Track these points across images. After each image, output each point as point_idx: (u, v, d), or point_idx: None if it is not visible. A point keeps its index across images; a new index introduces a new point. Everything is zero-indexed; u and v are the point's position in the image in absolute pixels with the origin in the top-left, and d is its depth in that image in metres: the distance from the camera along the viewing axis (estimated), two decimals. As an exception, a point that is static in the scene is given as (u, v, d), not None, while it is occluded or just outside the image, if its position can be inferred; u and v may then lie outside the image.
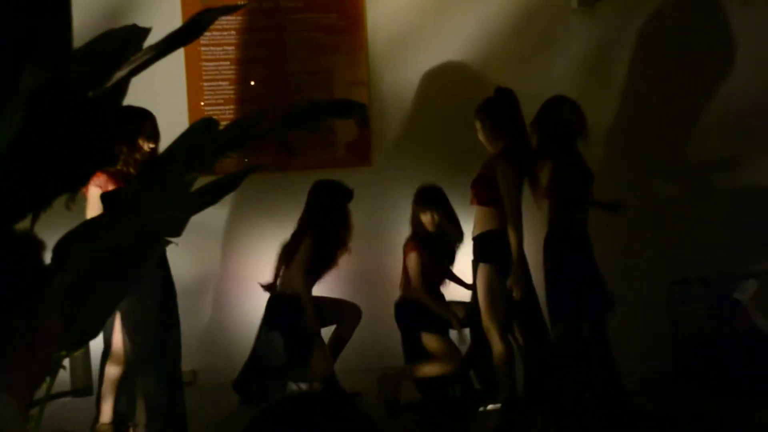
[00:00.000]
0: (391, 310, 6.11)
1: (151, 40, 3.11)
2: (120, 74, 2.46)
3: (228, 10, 2.93)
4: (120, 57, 2.76)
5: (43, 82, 2.40)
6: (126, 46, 2.88)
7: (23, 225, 2.51)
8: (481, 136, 5.59)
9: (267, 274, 6.17)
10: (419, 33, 6.85)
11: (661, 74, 7.23)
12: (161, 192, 2.60)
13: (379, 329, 6.33)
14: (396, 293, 6.18)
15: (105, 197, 2.62)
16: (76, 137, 2.46)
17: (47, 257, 1.87)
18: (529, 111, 6.32)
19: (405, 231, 6.59)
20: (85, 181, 2.59)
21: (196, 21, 2.65)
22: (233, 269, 6.61)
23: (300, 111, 3.28)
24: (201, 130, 2.84)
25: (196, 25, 2.62)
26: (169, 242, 2.87)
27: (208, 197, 2.74)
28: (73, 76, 2.58)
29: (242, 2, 6.37)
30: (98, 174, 4.55)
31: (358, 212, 6.05)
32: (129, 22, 6.23)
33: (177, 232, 2.65)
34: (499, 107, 5.54)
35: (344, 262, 6.18)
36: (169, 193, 2.60)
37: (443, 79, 6.89)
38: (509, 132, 5.48)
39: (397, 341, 6.10)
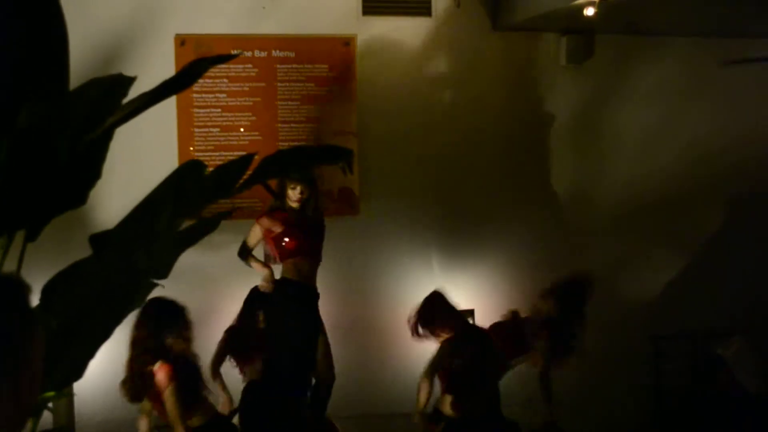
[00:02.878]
0: (379, 356, 6.13)
1: (144, 87, 3.18)
2: (112, 120, 2.51)
3: (220, 59, 2.99)
4: (105, 106, 2.81)
5: (36, 121, 2.45)
6: (110, 94, 2.93)
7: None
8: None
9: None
10: (408, 85, 6.94)
11: (646, 130, 7.35)
12: (149, 236, 2.64)
13: (365, 376, 6.34)
14: (382, 339, 6.22)
15: (93, 239, 2.66)
16: (58, 177, 2.51)
17: (34, 300, 1.88)
18: (517, 162, 6.42)
19: (391, 279, 6.63)
20: (46, 221, 2.63)
21: (190, 70, 2.71)
22: (218, 313, 6.60)
23: (287, 156, 3.33)
24: (188, 172, 2.88)
25: (189, 74, 2.68)
26: (156, 284, 2.90)
27: (189, 239, 2.78)
28: (62, 122, 2.63)
29: (235, 52, 6.46)
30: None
31: (345, 260, 6.08)
32: (124, 68, 6.32)
33: (164, 274, 2.69)
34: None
35: (332, 308, 6.20)
36: (156, 237, 2.64)
37: (431, 131, 6.97)
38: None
39: (381, 387, 6.10)
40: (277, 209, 5.84)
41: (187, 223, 2.90)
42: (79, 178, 2.69)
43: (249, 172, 3.04)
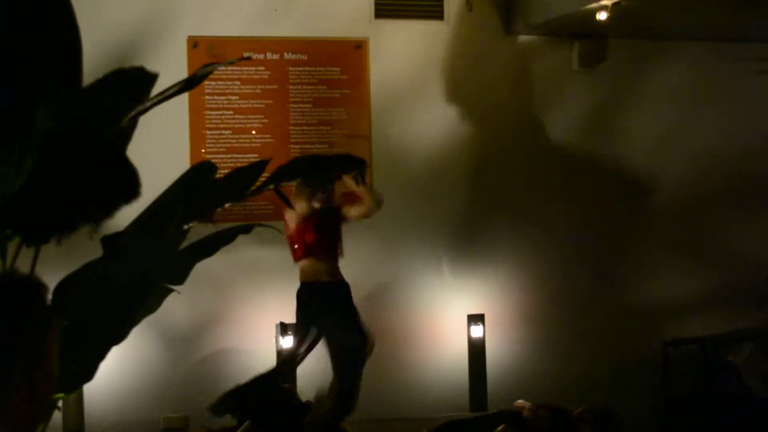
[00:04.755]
0: (390, 362, 6.13)
1: (157, 89, 3.18)
2: (129, 115, 2.52)
3: (233, 62, 3.00)
4: (130, 95, 2.81)
5: (56, 124, 2.45)
6: (135, 86, 2.94)
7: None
8: None
9: (259, 321, 6.22)
10: (420, 88, 6.94)
11: (658, 134, 7.33)
12: (160, 238, 2.65)
13: (374, 381, 6.31)
14: (392, 344, 6.23)
15: (105, 240, 2.67)
16: (88, 176, 2.51)
17: (49, 299, 1.90)
18: (528, 166, 6.40)
19: (401, 282, 6.63)
20: (109, 214, 2.64)
21: (201, 71, 2.71)
22: (226, 316, 6.62)
23: (300, 165, 3.33)
24: (199, 174, 2.89)
25: (200, 74, 2.68)
26: (171, 290, 2.91)
27: (207, 249, 2.80)
28: (84, 116, 2.63)
29: (246, 55, 6.47)
30: None
31: (355, 264, 6.07)
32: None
33: (180, 280, 2.70)
34: None
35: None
36: (167, 239, 2.64)
37: (443, 134, 6.97)
38: None
39: (389, 391, 6.10)
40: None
41: (199, 226, 2.90)
42: (119, 175, 2.67)
43: (264, 175, 3.05)
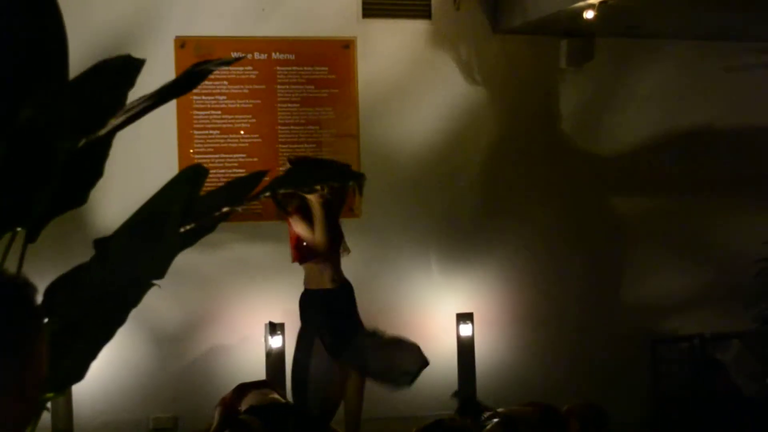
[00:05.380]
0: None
1: (144, 89, 3.18)
2: (115, 122, 2.51)
3: (222, 63, 2.99)
4: (114, 92, 2.81)
5: (36, 120, 2.45)
6: (120, 78, 2.93)
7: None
8: None
9: (248, 321, 6.22)
10: (408, 87, 6.95)
11: (646, 131, 7.36)
12: (152, 242, 2.65)
13: (368, 379, 6.32)
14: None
15: (97, 243, 2.66)
16: (58, 177, 2.51)
17: (38, 299, 1.90)
18: (516, 164, 6.40)
19: (390, 281, 6.63)
20: (47, 220, 2.64)
21: (191, 74, 2.71)
22: (215, 316, 6.62)
23: (296, 175, 3.34)
24: (189, 178, 2.88)
25: (190, 78, 2.68)
26: (152, 285, 2.90)
27: (186, 240, 2.79)
28: (67, 115, 2.63)
29: (235, 55, 6.47)
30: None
31: (346, 263, 6.08)
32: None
33: (160, 274, 2.69)
34: None
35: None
36: (161, 244, 2.64)
37: (432, 134, 6.98)
38: None
39: (379, 389, 6.10)
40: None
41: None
42: (80, 178, 2.68)
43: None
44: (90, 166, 2.79)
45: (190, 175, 2.96)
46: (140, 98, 2.70)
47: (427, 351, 6.13)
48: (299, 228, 5.84)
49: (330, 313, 5.83)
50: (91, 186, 2.81)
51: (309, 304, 5.88)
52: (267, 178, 3.24)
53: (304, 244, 5.84)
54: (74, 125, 2.67)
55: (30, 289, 1.80)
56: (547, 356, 6.92)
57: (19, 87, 2.54)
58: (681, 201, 7.40)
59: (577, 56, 7.15)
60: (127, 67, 3.01)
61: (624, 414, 6.49)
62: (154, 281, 2.85)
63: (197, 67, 2.76)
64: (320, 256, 5.84)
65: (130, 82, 3.00)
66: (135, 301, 2.76)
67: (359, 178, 3.52)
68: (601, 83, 7.32)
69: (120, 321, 2.62)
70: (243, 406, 5.75)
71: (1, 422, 1.70)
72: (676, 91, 7.41)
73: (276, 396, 5.85)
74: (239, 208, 3.09)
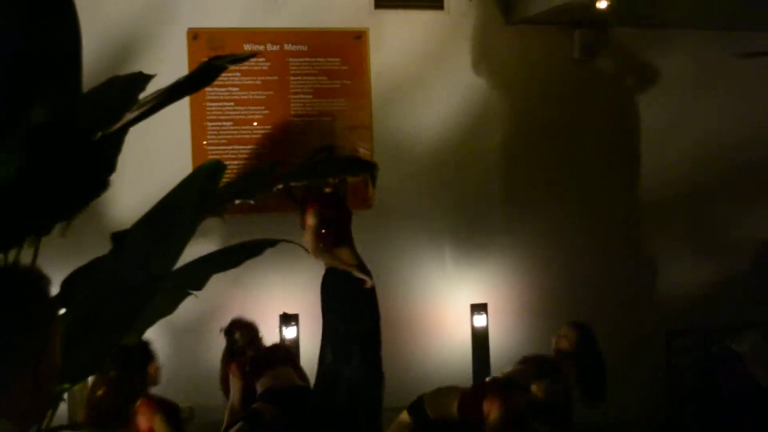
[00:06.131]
0: (392, 349, 6.18)
1: (157, 82, 3.18)
2: (130, 116, 2.52)
3: (237, 59, 2.98)
4: (123, 102, 2.83)
5: (49, 120, 2.45)
6: (129, 92, 2.95)
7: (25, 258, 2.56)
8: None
9: (262, 312, 6.24)
10: (421, 78, 6.94)
11: (658, 123, 7.33)
12: (169, 235, 2.66)
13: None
14: (395, 332, 6.26)
15: (114, 236, 2.67)
16: (76, 173, 2.52)
17: (53, 291, 1.91)
18: (530, 155, 6.37)
19: (403, 272, 6.63)
20: (77, 212, 2.65)
21: (206, 70, 2.71)
22: (230, 307, 6.62)
23: (311, 168, 3.36)
24: (207, 173, 2.90)
25: (204, 74, 2.68)
26: (189, 293, 2.94)
27: (233, 259, 2.84)
28: (79, 117, 2.64)
29: (247, 48, 6.47)
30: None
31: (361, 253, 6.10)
32: (137, 64, 6.33)
33: (199, 286, 2.74)
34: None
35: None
36: (176, 236, 2.65)
37: (444, 125, 6.97)
38: None
39: (393, 380, 6.11)
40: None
41: (220, 228, 2.93)
42: (95, 173, 2.69)
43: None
44: (103, 161, 2.80)
45: (209, 170, 2.97)
46: (154, 93, 2.70)
47: (442, 342, 6.16)
48: (310, 221, 5.90)
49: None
50: (106, 181, 2.83)
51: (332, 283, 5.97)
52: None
53: (323, 231, 5.88)
54: (88, 123, 2.69)
55: (44, 281, 1.82)
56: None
57: (33, 85, 2.54)
58: (696, 192, 7.37)
59: (590, 47, 7.13)
60: (137, 82, 3.02)
61: (640, 406, 6.49)
62: (192, 291, 2.89)
63: (211, 62, 2.76)
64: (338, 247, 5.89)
65: (141, 88, 3.01)
66: (153, 294, 2.77)
67: (372, 168, 3.53)
68: (615, 73, 7.29)
69: (136, 315, 2.64)
70: (260, 387, 5.78)
71: (17, 412, 1.72)
72: (689, 82, 7.38)
73: (294, 376, 5.88)
74: (251, 201, 3.11)
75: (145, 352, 5.18)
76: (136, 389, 5.09)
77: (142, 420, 5.04)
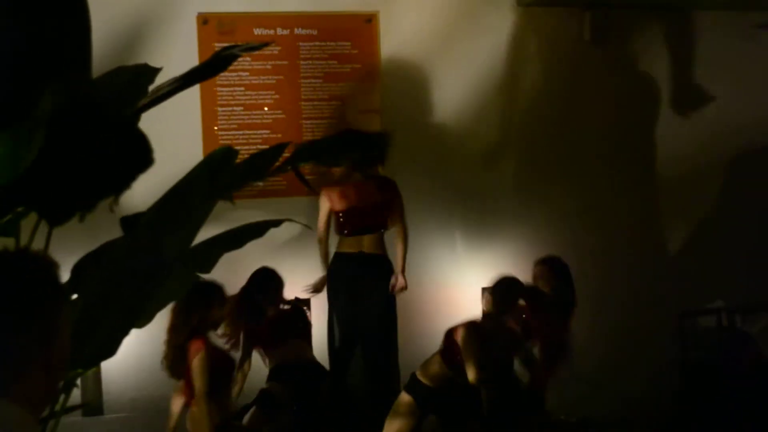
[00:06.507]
0: (405, 336, 6.21)
1: (167, 67, 3.18)
2: (143, 102, 2.52)
3: (249, 48, 2.99)
4: (133, 89, 2.83)
5: (65, 103, 2.46)
6: (139, 80, 2.96)
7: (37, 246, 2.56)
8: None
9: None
10: (432, 61, 6.92)
11: (671, 104, 7.29)
12: (181, 219, 2.67)
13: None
14: (404, 315, 6.29)
15: (124, 221, 2.68)
16: (95, 157, 2.53)
17: (63, 277, 1.92)
18: (540, 138, 6.35)
19: (413, 256, 6.63)
20: (100, 198, 2.66)
21: (217, 58, 2.71)
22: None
23: (321, 145, 3.35)
24: (220, 159, 2.91)
25: (217, 62, 2.68)
26: (198, 277, 2.96)
27: (236, 240, 2.85)
28: (92, 102, 2.64)
29: (256, 32, 6.47)
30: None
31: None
32: (146, 48, 6.33)
33: (207, 269, 2.76)
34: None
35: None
36: (188, 220, 2.66)
37: (455, 107, 6.95)
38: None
39: (403, 364, 6.13)
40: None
41: (227, 211, 2.93)
42: (137, 149, 2.70)
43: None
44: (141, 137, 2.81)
45: (220, 156, 2.99)
46: (166, 81, 2.71)
47: (452, 325, 6.13)
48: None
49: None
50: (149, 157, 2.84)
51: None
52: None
53: (340, 216, 5.89)
54: (100, 109, 2.69)
55: (51, 266, 1.83)
56: (572, 329, 6.89)
57: (42, 73, 2.55)
58: (707, 172, 7.33)
59: (601, 28, 7.09)
60: (143, 74, 3.03)
61: (651, 386, 6.49)
62: (200, 274, 2.91)
63: (224, 52, 2.77)
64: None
65: (146, 86, 3.02)
66: (165, 280, 2.78)
67: (381, 140, 3.53)
68: (625, 55, 7.25)
69: (150, 299, 2.65)
70: (271, 361, 5.79)
71: (29, 398, 1.73)
72: (702, 62, 7.33)
73: (308, 350, 5.90)
74: (260, 183, 3.12)
75: (211, 293, 5.21)
76: (193, 327, 5.13)
77: (189, 359, 5.10)
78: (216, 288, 5.24)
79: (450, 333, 5.56)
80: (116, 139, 2.48)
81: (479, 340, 5.35)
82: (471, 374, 5.28)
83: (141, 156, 2.50)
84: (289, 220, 3.16)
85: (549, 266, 5.92)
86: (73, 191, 2.48)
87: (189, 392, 5.20)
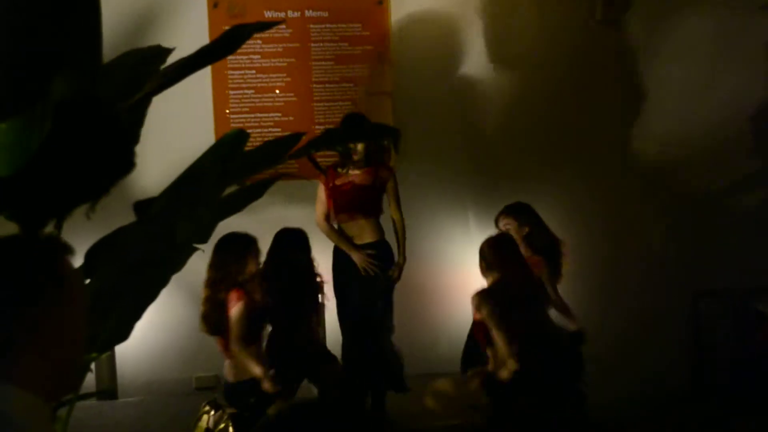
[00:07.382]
0: (416, 315, 6.20)
1: (178, 50, 3.17)
2: (149, 87, 2.51)
3: (260, 27, 2.96)
4: (143, 74, 2.82)
5: (72, 92, 2.44)
6: (149, 64, 2.95)
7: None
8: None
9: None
10: (443, 44, 6.89)
11: (684, 85, 7.23)
12: (193, 205, 2.66)
13: (401, 335, 6.35)
14: (419, 297, 6.27)
15: (137, 206, 2.67)
16: (101, 147, 2.51)
17: (76, 262, 1.90)
18: (552, 120, 6.31)
19: (426, 239, 6.62)
20: (105, 191, 2.64)
21: (228, 38, 2.69)
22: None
23: (333, 135, 3.35)
24: (231, 142, 2.90)
25: (228, 42, 2.67)
26: (196, 249, 2.93)
27: (235, 205, 2.81)
28: (100, 89, 2.63)
29: (267, 14, 6.43)
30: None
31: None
32: (157, 31, 6.32)
33: (204, 238, 2.72)
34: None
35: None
36: (201, 205, 2.66)
37: (466, 89, 6.92)
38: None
39: (419, 346, 6.13)
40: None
41: (229, 190, 2.93)
42: (119, 150, 2.68)
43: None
44: (128, 135, 2.79)
45: (232, 139, 2.97)
46: (176, 62, 2.69)
47: (467, 307, 6.12)
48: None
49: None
50: (131, 153, 2.82)
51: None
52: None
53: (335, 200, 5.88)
54: (110, 93, 2.68)
55: (64, 249, 1.81)
56: (585, 310, 6.88)
57: (52, 63, 2.53)
58: (721, 153, 7.28)
59: (613, 7, 7.03)
60: (157, 55, 3.01)
61: (666, 368, 6.47)
62: (197, 245, 2.89)
63: (236, 29, 2.75)
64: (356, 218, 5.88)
65: (161, 61, 3.00)
66: (178, 264, 2.79)
67: (394, 133, 3.51)
68: (638, 34, 7.19)
69: (162, 283, 2.65)
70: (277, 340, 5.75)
71: (30, 381, 1.71)
72: (716, 41, 7.26)
73: (315, 332, 5.88)
74: (275, 169, 3.11)
75: (246, 245, 5.29)
76: (231, 277, 5.19)
77: (228, 308, 5.17)
78: (251, 240, 5.30)
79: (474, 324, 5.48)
80: (99, 137, 2.43)
81: (496, 304, 5.21)
82: (500, 343, 5.12)
83: (122, 159, 2.47)
84: (287, 176, 3.11)
85: (514, 215, 5.87)
86: (50, 196, 2.44)
87: (226, 347, 5.25)
